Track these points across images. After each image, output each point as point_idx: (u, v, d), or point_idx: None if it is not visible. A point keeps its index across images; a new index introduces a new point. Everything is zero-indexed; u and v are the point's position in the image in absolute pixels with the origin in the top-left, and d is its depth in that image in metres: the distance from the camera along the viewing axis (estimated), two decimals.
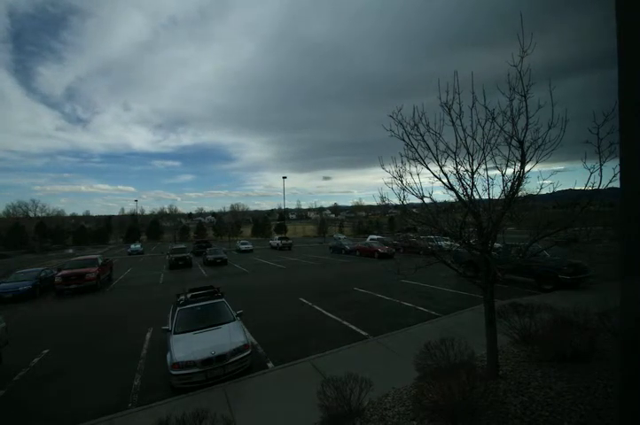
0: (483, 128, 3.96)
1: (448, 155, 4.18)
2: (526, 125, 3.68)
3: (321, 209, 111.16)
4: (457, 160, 4.14)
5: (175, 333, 5.87)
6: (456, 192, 4.27)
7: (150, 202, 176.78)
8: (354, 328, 7.73)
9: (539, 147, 3.71)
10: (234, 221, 63.77)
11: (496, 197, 4.18)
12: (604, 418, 3.35)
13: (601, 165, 3.28)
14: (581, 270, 10.00)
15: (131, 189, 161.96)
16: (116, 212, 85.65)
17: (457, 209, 4.99)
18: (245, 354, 5.55)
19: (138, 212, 73.35)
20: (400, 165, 4.56)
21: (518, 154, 3.85)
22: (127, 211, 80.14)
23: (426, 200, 4.60)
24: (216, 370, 5.25)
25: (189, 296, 7.08)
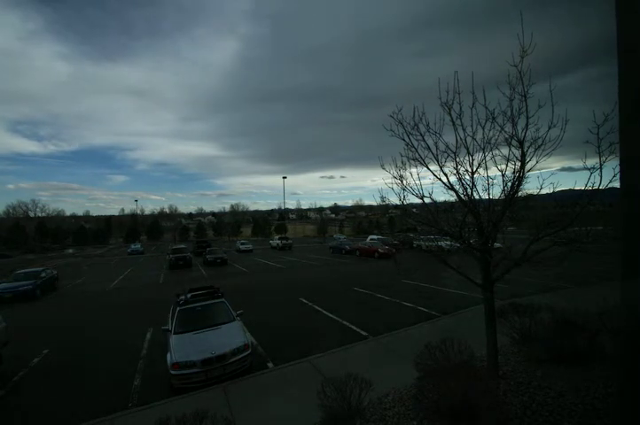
0: (483, 128, 3.96)
1: (448, 155, 4.18)
2: (527, 125, 3.68)
3: (321, 209, 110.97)
4: (457, 160, 4.14)
5: (175, 333, 5.87)
6: (456, 192, 4.27)
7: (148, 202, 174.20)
8: (354, 328, 7.73)
9: (539, 147, 3.71)
10: (234, 221, 63.73)
11: (496, 197, 4.18)
12: (604, 418, 3.35)
13: (601, 165, 3.28)
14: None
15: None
16: (118, 212, 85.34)
17: (457, 209, 4.98)
18: (246, 354, 5.55)
19: (138, 212, 73.37)
20: (400, 164, 4.56)
21: (518, 154, 3.85)
22: (126, 211, 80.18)
23: (426, 200, 4.59)
24: (216, 370, 5.25)
25: (189, 296, 7.07)
